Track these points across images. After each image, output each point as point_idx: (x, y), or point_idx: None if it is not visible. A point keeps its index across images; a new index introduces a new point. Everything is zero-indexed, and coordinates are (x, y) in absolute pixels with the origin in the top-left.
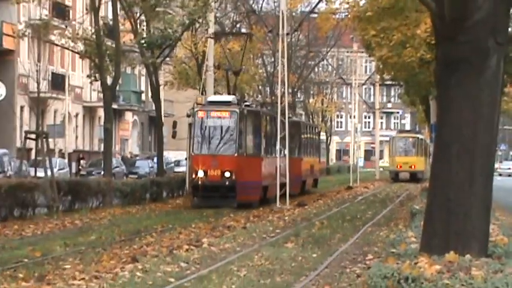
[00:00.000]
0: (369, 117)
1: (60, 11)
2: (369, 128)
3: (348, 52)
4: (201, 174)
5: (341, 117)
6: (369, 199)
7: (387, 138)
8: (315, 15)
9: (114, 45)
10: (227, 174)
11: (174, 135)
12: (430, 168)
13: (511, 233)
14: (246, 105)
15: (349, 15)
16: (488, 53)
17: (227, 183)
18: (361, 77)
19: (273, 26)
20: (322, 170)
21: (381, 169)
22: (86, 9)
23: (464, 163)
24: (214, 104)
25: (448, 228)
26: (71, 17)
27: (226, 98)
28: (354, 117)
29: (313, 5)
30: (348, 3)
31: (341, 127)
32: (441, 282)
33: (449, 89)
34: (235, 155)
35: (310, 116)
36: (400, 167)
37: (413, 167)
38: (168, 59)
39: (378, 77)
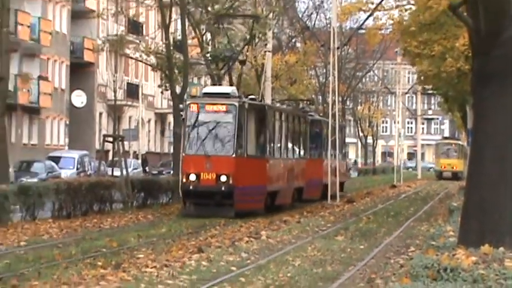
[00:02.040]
0: (411, 123)
1: (135, 27)
2: (411, 132)
3: (392, 64)
4: (192, 178)
5: (386, 123)
6: (411, 197)
7: (428, 142)
8: (363, 31)
9: (182, 58)
10: (223, 178)
11: None
12: (467, 170)
13: None
14: (251, 99)
15: (394, 30)
16: None
17: (223, 188)
18: (404, 87)
19: (325, 40)
20: (345, 174)
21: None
22: (158, 25)
23: (497, 166)
24: (210, 96)
25: (483, 224)
26: (144, 32)
27: (224, 89)
28: (398, 122)
29: (362, 22)
30: (393, 19)
31: (386, 132)
32: (477, 272)
33: (484, 99)
34: (233, 155)
35: (358, 122)
36: (444, 167)
37: (454, 167)
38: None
39: (420, 86)
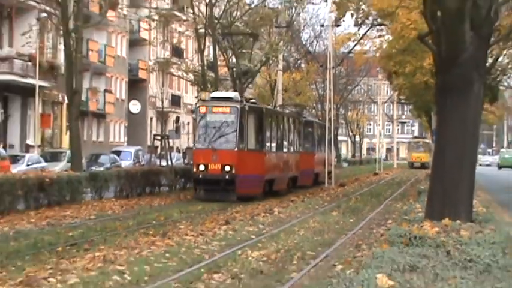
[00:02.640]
0: (389, 125)
1: (177, 52)
2: (389, 132)
3: (374, 80)
4: (202, 168)
5: (370, 125)
6: (389, 182)
7: (402, 140)
8: (352, 55)
9: (214, 76)
10: (227, 168)
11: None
12: (432, 161)
13: (487, 205)
14: (252, 103)
15: (375, 54)
16: (472, 82)
17: (227, 177)
18: (383, 97)
19: (323, 62)
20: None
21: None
22: (195, 51)
23: (455, 159)
24: (217, 99)
25: (444, 203)
26: (184, 56)
27: (228, 94)
28: (379, 125)
29: (351, 48)
30: (375, 46)
31: (370, 132)
32: (439, 240)
33: (445, 107)
34: (235, 149)
35: (348, 125)
36: (415, 159)
37: (422, 159)
38: (250, 85)
39: (395, 97)
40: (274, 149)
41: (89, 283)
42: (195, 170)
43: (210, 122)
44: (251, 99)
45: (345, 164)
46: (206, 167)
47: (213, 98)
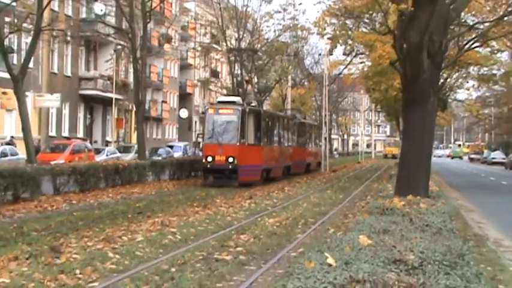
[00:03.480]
0: (369, 127)
1: (215, 73)
2: (368, 132)
3: (358, 94)
4: (209, 159)
5: (355, 127)
6: (368, 168)
7: (378, 138)
8: (342, 76)
9: (241, 91)
10: (230, 159)
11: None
12: (399, 153)
13: (439, 185)
14: (252, 106)
15: (359, 75)
16: (429, 96)
17: (230, 166)
18: (364, 107)
19: (320, 81)
20: (321, 156)
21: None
22: (227, 72)
23: (416, 151)
24: (222, 103)
25: (408, 184)
26: (220, 76)
27: (232, 99)
28: (361, 127)
29: (341, 71)
30: (359, 70)
31: (354, 132)
32: (405, 210)
33: (409, 114)
34: (237, 144)
35: (339, 127)
36: (388, 152)
37: (393, 152)
38: (268, 97)
39: (373, 106)
40: (270, 144)
41: (150, 240)
42: (204, 160)
43: (217, 121)
44: (251, 103)
45: (336, 155)
46: (213, 158)
47: (220, 102)
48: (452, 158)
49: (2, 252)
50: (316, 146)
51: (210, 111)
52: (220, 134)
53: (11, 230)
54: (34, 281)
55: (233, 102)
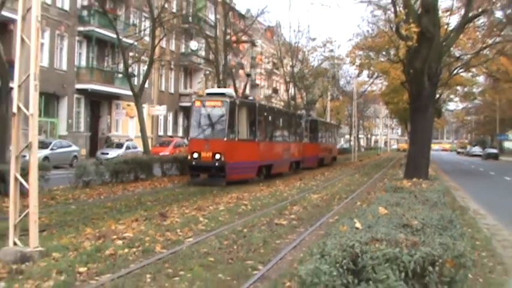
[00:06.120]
0: (385, 129)
1: (275, 91)
2: (385, 133)
3: (378, 105)
4: (195, 155)
5: (376, 129)
6: (385, 159)
7: (393, 137)
8: (366, 92)
9: (293, 103)
10: (217, 156)
11: None
12: (408, 149)
13: (436, 171)
14: (244, 99)
15: (379, 92)
16: (428, 107)
17: (217, 164)
18: (382, 114)
19: (351, 95)
20: (336, 151)
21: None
22: (284, 90)
23: (420, 145)
24: (211, 95)
25: (413, 169)
26: (278, 93)
27: (222, 90)
28: (380, 129)
29: (365, 88)
30: (378, 88)
31: (375, 132)
32: (411, 189)
33: (414, 120)
34: (225, 139)
35: (364, 129)
36: (400, 147)
37: (404, 147)
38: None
39: (389, 114)
40: (270, 139)
41: (229, 209)
42: (189, 157)
43: (203, 115)
44: (249, 96)
45: (362, 150)
46: (199, 155)
47: (208, 94)
48: (451, 151)
49: (127, 216)
50: (330, 142)
51: (197, 103)
52: (206, 128)
53: (133, 200)
54: (148, 236)
55: (222, 94)
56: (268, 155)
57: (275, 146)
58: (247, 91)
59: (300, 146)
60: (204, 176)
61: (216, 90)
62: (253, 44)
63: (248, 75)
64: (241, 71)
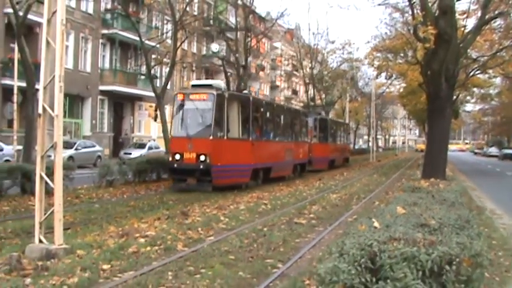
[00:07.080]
0: (403, 130)
1: (295, 92)
2: (403, 133)
3: (396, 106)
4: (177, 157)
5: (394, 130)
6: (403, 159)
7: (411, 138)
8: (384, 93)
9: (313, 104)
10: (202, 157)
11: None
12: (425, 149)
13: (453, 171)
14: (235, 92)
15: (397, 93)
16: (446, 108)
17: (201, 166)
18: (400, 115)
19: (369, 96)
20: (348, 152)
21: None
22: (304, 91)
23: (437, 146)
24: (196, 87)
25: (431, 170)
26: (298, 94)
27: (208, 81)
28: (398, 130)
29: (384, 90)
30: (396, 89)
31: (393, 133)
32: (428, 189)
33: (432, 121)
34: (211, 138)
35: (382, 129)
36: (418, 147)
37: (422, 147)
38: (332, 110)
39: (407, 115)
40: (267, 139)
41: (249, 209)
42: (170, 158)
43: (187, 110)
44: (244, 90)
45: (380, 150)
46: (182, 156)
47: (193, 86)
48: (468, 151)
49: (149, 215)
50: (342, 142)
51: (179, 96)
52: (190, 125)
53: (155, 199)
54: (170, 234)
55: (209, 86)
56: (266, 156)
57: (274, 147)
58: (267, 92)
59: (306, 147)
60: (193, 180)
61: (202, 81)
62: (273, 47)
63: (259, 66)
64: (261, 73)
